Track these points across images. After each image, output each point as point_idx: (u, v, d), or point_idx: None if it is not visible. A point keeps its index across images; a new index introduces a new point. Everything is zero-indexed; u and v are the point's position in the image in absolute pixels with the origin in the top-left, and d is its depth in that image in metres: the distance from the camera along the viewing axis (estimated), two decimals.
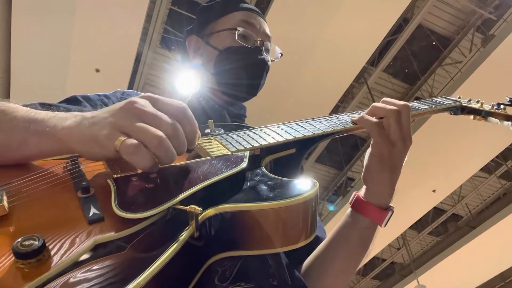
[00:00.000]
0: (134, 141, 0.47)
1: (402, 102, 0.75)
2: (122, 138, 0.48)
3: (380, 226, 0.76)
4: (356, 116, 0.77)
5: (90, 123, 0.51)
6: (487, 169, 7.37)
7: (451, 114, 0.94)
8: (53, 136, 0.52)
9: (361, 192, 0.78)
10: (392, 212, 0.76)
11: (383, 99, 0.78)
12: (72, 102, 0.81)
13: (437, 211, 8.36)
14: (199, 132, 0.56)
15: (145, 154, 0.47)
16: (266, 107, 4.98)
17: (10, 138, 0.53)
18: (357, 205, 0.77)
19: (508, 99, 0.91)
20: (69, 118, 0.53)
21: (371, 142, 0.75)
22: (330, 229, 0.92)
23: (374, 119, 0.73)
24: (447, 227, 8.51)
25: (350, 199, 0.79)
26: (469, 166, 6.27)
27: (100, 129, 0.49)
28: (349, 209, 0.79)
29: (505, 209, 6.92)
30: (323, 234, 0.89)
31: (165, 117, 0.51)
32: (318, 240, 0.86)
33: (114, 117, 0.50)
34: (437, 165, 6.00)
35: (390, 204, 0.76)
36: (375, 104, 0.76)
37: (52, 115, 0.55)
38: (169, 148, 0.49)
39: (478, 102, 0.93)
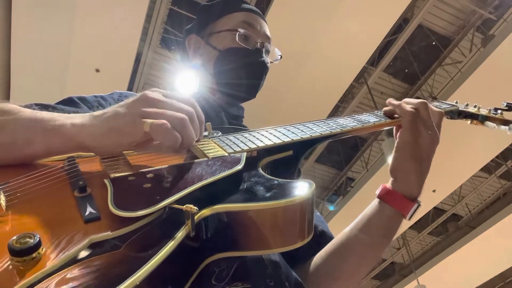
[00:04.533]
0: (163, 121, 0.51)
1: (418, 100, 0.79)
2: (150, 120, 0.51)
3: (405, 217, 0.76)
4: (391, 104, 0.81)
5: (106, 117, 0.54)
6: (487, 169, 7.37)
7: (447, 118, 0.94)
8: (61, 133, 0.53)
9: (388, 184, 0.79)
10: (419, 206, 0.76)
11: (403, 100, 0.81)
12: (68, 103, 0.81)
13: (437, 211, 8.36)
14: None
15: (173, 133, 0.52)
16: (266, 107, 4.98)
17: (15, 137, 0.54)
18: (383, 194, 0.77)
19: (505, 104, 0.92)
20: (76, 116, 0.56)
21: (399, 133, 0.78)
22: (330, 229, 0.92)
23: (409, 108, 0.77)
24: (447, 227, 8.52)
25: (377, 191, 0.79)
26: (469, 166, 6.28)
27: (121, 120, 0.53)
28: (375, 200, 0.79)
29: (505, 209, 6.92)
30: (329, 230, 0.90)
31: (178, 104, 0.55)
32: (325, 235, 0.86)
33: (131, 108, 0.54)
34: (437, 165, 5.99)
35: (418, 199, 0.77)
36: (390, 101, 0.82)
37: (57, 114, 0.57)
38: (190, 128, 0.54)
39: (475, 106, 0.94)
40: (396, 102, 0.81)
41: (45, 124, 0.54)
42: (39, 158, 0.56)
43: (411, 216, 0.76)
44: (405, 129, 0.76)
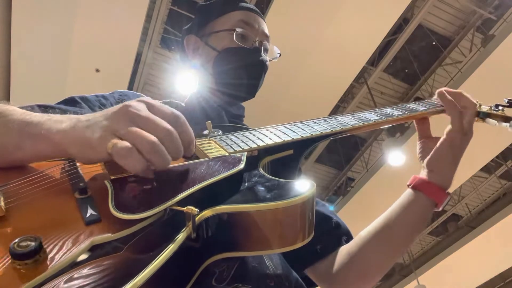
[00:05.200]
0: (127, 144, 0.47)
1: (471, 100, 0.83)
2: (115, 141, 0.47)
3: (438, 207, 0.80)
4: (447, 94, 0.83)
5: (84, 126, 0.51)
6: (487, 169, 7.37)
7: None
8: (47, 139, 0.52)
9: (423, 175, 0.82)
10: (450, 197, 0.80)
11: (457, 90, 0.85)
12: (70, 103, 0.81)
13: (437, 211, 8.34)
14: (194, 140, 0.56)
15: (137, 157, 0.47)
16: (266, 107, 4.98)
17: (5, 141, 0.53)
18: (419, 184, 0.80)
19: (506, 100, 0.91)
20: (64, 121, 0.53)
21: (448, 129, 0.80)
22: None
23: (458, 108, 0.80)
24: (447, 227, 8.51)
25: (409, 181, 0.82)
26: (469, 166, 6.27)
27: (93, 132, 0.49)
28: (408, 191, 0.81)
29: (505, 209, 6.92)
30: (343, 221, 0.92)
31: (160, 121, 0.50)
32: (340, 227, 0.88)
33: (108, 120, 0.50)
34: None
35: (448, 190, 0.80)
36: (463, 92, 0.84)
37: (47, 117, 0.55)
38: (162, 152, 0.48)
39: (476, 103, 0.93)
40: (448, 98, 0.82)
41: (32, 128, 0.53)
42: (30, 162, 0.56)
43: (444, 206, 0.80)
44: (454, 127, 0.79)
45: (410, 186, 0.81)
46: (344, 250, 0.83)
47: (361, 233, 0.83)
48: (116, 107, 0.52)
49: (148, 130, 0.49)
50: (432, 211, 0.80)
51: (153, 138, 0.48)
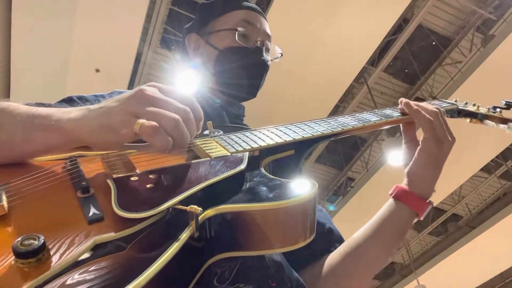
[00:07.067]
0: (154, 123, 0.49)
1: (433, 108, 0.80)
2: (141, 121, 0.49)
3: (419, 217, 0.79)
4: (413, 105, 0.81)
5: (100, 112, 0.52)
6: (487, 169, 7.37)
7: (447, 117, 0.94)
8: (59, 129, 0.52)
9: (403, 185, 0.81)
10: (432, 206, 0.79)
11: (418, 105, 0.82)
12: (68, 102, 0.81)
13: (437, 211, 8.37)
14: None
15: (164, 135, 0.50)
16: (266, 107, 4.98)
17: (13, 135, 0.53)
18: (400, 194, 0.79)
19: (504, 102, 0.92)
20: (72, 111, 0.54)
21: (422, 138, 0.79)
22: None
23: (427, 115, 0.77)
24: (447, 227, 8.52)
25: (391, 190, 0.81)
26: (469, 166, 6.28)
27: (113, 116, 0.51)
28: (391, 200, 0.80)
29: (505, 209, 6.92)
30: (336, 227, 0.90)
31: (175, 102, 0.53)
32: (333, 233, 0.87)
33: (125, 104, 0.52)
34: None
35: (430, 199, 0.79)
36: (420, 104, 0.81)
37: (54, 110, 0.55)
38: (183, 129, 0.52)
39: (474, 105, 0.94)
40: (413, 107, 0.80)
41: (41, 120, 0.53)
42: (39, 155, 0.56)
43: (424, 216, 0.79)
44: (430, 139, 0.77)
45: (391, 196, 0.80)
46: (330, 259, 0.82)
47: (343, 246, 0.82)
48: (130, 91, 0.54)
49: (166, 110, 0.52)
50: (413, 221, 0.79)
51: (175, 115, 0.51)
